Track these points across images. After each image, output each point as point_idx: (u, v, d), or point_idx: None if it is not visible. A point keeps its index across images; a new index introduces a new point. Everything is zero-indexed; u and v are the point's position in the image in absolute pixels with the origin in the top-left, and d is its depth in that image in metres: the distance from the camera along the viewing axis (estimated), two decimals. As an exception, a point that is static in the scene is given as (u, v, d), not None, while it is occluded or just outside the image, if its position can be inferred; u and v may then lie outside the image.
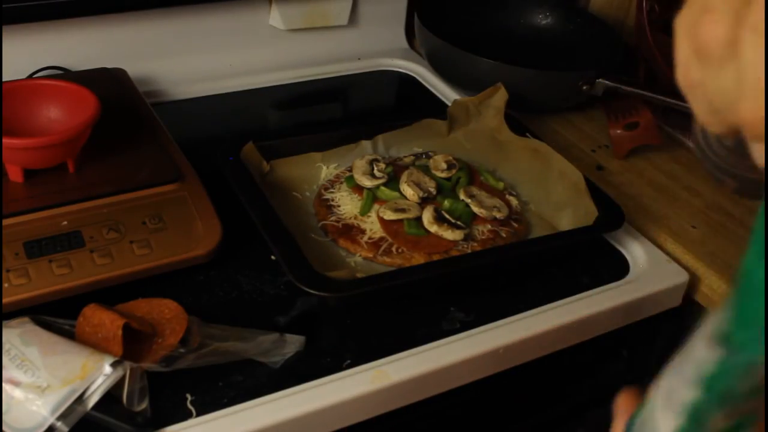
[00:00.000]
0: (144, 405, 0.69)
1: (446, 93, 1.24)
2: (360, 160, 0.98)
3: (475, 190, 0.97)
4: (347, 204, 0.94)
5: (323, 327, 0.81)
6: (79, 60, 1.09)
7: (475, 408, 0.94)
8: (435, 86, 1.27)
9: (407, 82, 1.30)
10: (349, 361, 0.78)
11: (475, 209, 0.94)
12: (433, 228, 0.90)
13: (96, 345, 0.71)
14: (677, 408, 0.41)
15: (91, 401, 0.67)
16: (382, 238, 0.90)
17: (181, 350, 0.73)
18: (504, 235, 0.93)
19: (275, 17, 1.22)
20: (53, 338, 0.71)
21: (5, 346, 0.69)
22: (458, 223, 0.91)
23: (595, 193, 0.97)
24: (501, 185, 1.01)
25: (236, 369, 0.75)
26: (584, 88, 1.16)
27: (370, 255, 0.89)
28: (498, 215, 0.94)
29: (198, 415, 0.71)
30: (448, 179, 0.99)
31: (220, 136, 1.07)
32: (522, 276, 0.91)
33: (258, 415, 0.72)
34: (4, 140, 0.77)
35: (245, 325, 0.77)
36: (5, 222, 0.77)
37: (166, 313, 0.76)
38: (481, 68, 1.15)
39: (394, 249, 0.89)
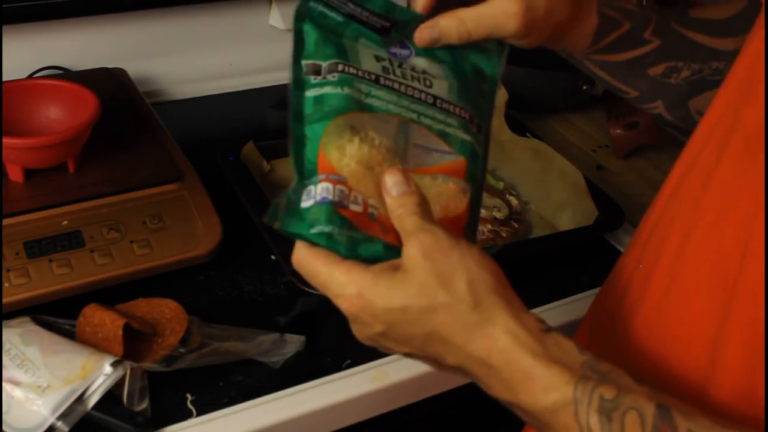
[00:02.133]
0: (144, 405, 0.69)
1: (446, 93, 1.24)
2: (360, 160, 0.98)
3: (475, 190, 0.97)
4: (347, 204, 0.94)
5: (323, 327, 0.81)
6: (79, 60, 1.09)
7: (476, 408, 0.94)
8: (435, 86, 1.27)
9: (407, 82, 1.30)
10: (349, 361, 0.78)
11: (475, 209, 0.94)
12: (433, 228, 0.90)
13: (96, 345, 0.71)
14: None
15: (92, 401, 0.67)
16: (382, 238, 0.90)
17: (181, 350, 0.73)
18: (504, 235, 0.93)
19: (275, 17, 1.22)
20: (54, 338, 0.71)
21: (5, 346, 0.69)
22: (458, 223, 0.91)
23: (595, 193, 0.97)
24: (501, 185, 1.01)
25: (236, 369, 0.75)
26: (584, 88, 1.16)
27: (370, 255, 0.89)
28: (498, 215, 0.94)
29: (198, 415, 0.71)
30: None
31: (220, 136, 1.06)
32: (522, 276, 0.90)
33: (258, 415, 0.72)
34: (4, 140, 0.77)
35: (245, 325, 0.77)
36: (5, 222, 0.77)
37: (166, 313, 0.76)
38: (481, 68, 1.15)
39: (394, 249, 0.89)
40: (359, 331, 0.53)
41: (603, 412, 0.46)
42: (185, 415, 0.71)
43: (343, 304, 0.51)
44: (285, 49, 1.38)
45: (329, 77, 0.55)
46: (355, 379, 0.77)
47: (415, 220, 0.51)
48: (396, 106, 0.55)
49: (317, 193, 0.53)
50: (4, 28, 1.02)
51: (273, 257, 0.87)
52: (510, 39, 0.60)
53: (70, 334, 0.73)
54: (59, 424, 0.65)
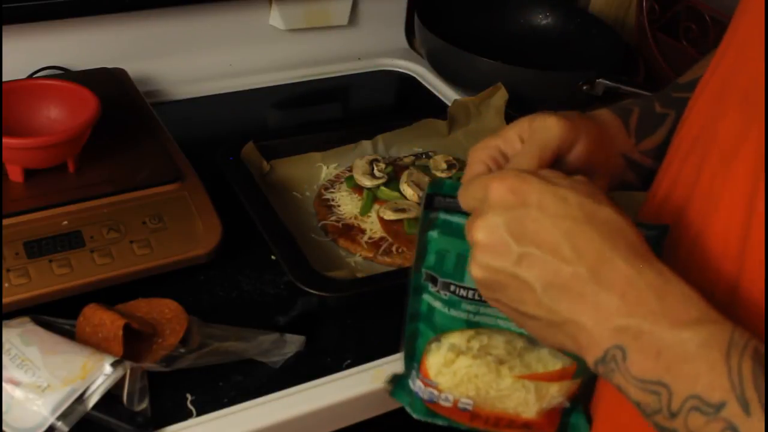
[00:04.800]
0: (144, 405, 0.69)
1: (446, 93, 1.24)
2: (360, 160, 0.98)
3: (475, 190, 0.97)
4: (347, 204, 0.94)
5: (323, 327, 0.81)
6: (79, 60, 1.09)
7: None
8: (435, 86, 1.27)
9: (407, 82, 1.30)
10: (349, 361, 0.78)
11: (475, 209, 0.94)
12: (433, 228, 0.90)
13: (96, 345, 0.71)
14: None
15: (92, 401, 0.67)
16: (382, 238, 0.90)
17: (181, 350, 0.73)
18: (504, 235, 0.93)
19: (275, 17, 1.22)
20: (53, 338, 0.71)
21: (5, 346, 0.69)
22: (458, 223, 0.91)
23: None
24: (501, 185, 1.01)
25: (236, 369, 0.75)
26: (584, 88, 1.16)
27: (370, 255, 0.89)
28: (498, 215, 0.94)
29: (198, 415, 0.71)
30: (448, 179, 0.99)
31: (220, 136, 1.07)
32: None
33: (258, 415, 0.72)
34: (4, 140, 0.77)
35: (245, 325, 0.77)
36: (5, 222, 0.77)
37: (166, 313, 0.76)
38: (481, 68, 1.15)
39: (394, 249, 0.89)
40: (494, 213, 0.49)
41: (757, 361, 0.43)
42: (185, 415, 0.71)
43: (499, 181, 0.50)
44: (285, 49, 1.39)
45: (441, 294, 0.57)
46: (355, 379, 0.77)
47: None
48: (505, 320, 0.57)
49: (415, 385, 0.61)
50: (4, 28, 1.02)
51: (273, 257, 0.87)
52: (566, 146, 0.59)
53: (70, 334, 0.73)
54: (59, 424, 0.65)
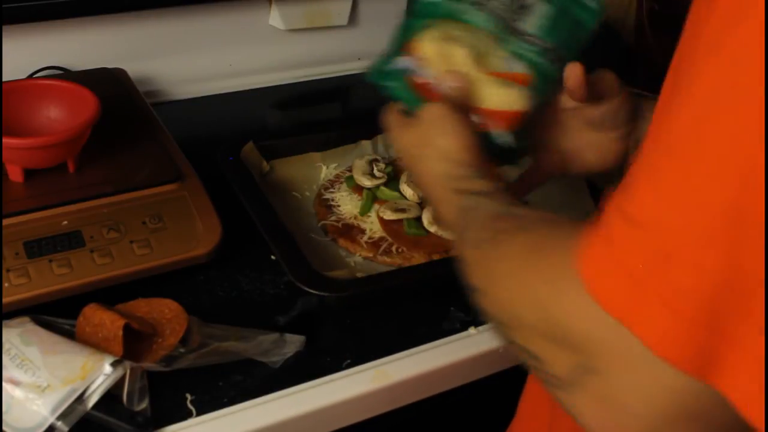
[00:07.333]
0: (144, 404, 0.69)
1: (446, 93, 1.24)
2: (360, 160, 0.98)
3: (475, 190, 0.97)
4: (347, 204, 0.94)
5: (323, 327, 0.81)
6: (79, 60, 1.09)
7: (475, 408, 0.94)
8: (435, 86, 1.27)
9: (407, 82, 1.30)
10: (349, 361, 0.78)
11: (475, 209, 0.94)
12: (433, 228, 0.90)
13: (96, 345, 0.71)
14: None
15: (91, 401, 0.67)
16: (382, 238, 0.90)
17: (181, 350, 0.73)
18: (504, 235, 0.93)
19: (275, 17, 1.22)
20: (53, 338, 0.71)
21: (5, 346, 0.69)
22: (458, 223, 0.91)
23: (595, 193, 0.96)
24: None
25: (236, 369, 0.75)
26: (584, 88, 1.16)
27: (370, 255, 0.89)
28: (498, 215, 0.94)
29: (198, 414, 0.71)
30: None
31: (220, 136, 1.07)
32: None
33: (258, 415, 0.72)
34: (4, 140, 0.77)
35: (245, 325, 0.77)
36: (5, 222, 0.77)
37: (166, 313, 0.76)
38: (481, 68, 1.15)
39: (394, 249, 0.89)
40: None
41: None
42: (185, 415, 0.71)
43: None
44: (285, 49, 1.39)
45: None
46: (355, 379, 0.77)
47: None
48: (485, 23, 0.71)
49: (397, 64, 0.74)
50: (4, 28, 1.02)
51: (273, 257, 0.87)
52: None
53: (70, 334, 0.73)
54: (59, 423, 0.65)
